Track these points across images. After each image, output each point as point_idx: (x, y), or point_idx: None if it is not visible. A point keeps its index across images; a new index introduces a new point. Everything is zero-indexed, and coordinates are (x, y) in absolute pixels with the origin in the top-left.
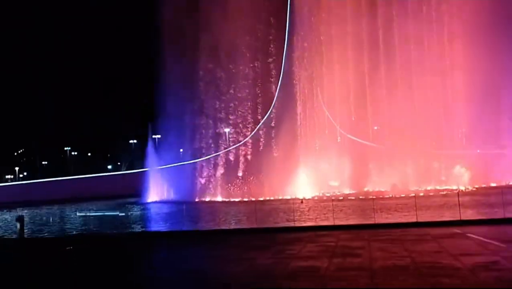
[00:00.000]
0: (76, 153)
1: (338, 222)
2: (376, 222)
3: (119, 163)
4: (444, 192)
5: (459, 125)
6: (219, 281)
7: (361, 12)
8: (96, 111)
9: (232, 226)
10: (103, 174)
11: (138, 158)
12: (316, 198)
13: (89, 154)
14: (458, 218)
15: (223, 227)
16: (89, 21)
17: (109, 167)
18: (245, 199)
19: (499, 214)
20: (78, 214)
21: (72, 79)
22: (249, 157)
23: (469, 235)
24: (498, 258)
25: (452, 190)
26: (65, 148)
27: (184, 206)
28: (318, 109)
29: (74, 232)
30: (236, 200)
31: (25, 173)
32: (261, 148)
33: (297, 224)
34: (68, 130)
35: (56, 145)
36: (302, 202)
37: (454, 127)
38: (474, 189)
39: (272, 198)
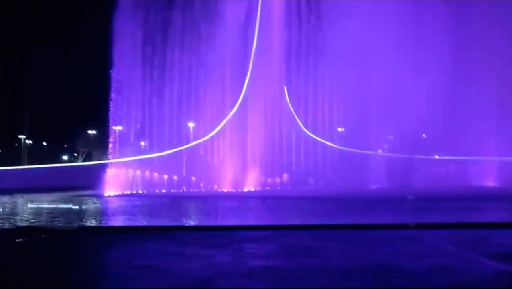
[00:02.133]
0: (31, 142)
1: (299, 222)
2: (337, 222)
3: (75, 154)
4: (403, 195)
5: (420, 131)
6: (173, 278)
7: (323, 17)
8: (53, 99)
9: (192, 223)
10: (58, 165)
11: (96, 149)
12: (277, 196)
13: (44, 143)
14: (415, 221)
15: (182, 223)
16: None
17: (65, 157)
18: (206, 195)
19: (454, 218)
20: (29, 205)
21: (27, 63)
22: (212, 152)
23: (425, 238)
24: (452, 261)
25: (411, 193)
26: (19, 136)
27: (143, 201)
28: (284, 109)
29: (24, 224)
30: (198, 195)
31: None
32: (225, 144)
33: (258, 222)
34: (23, 118)
35: (9, 133)
36: (264, 200)
37: (415, 132)
38: (430, 193)
39: (234, 195)
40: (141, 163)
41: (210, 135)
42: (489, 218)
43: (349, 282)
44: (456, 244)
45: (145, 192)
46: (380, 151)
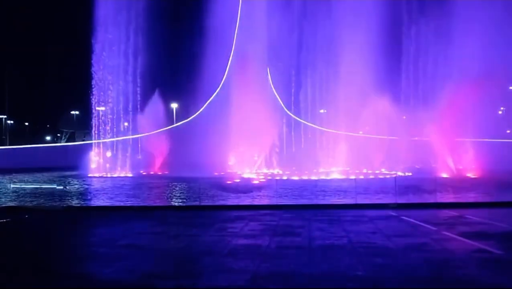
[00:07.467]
0: (12, 122)
1: (280, 202)
2: (317, 202)
3: (58, 134)
4: (382, 176)
5: (400, 113)
6: (158, 257)
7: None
8: (35, 78)
9: (174, 203)
10: (41, 145)
11: (79, 130)
12: (260, 177)
13: (26, 123)
14: (394, 201)
15: (165, 204)
16: None
17: (48, 138)
18: (190, 176)
19: (431, 198)
20: (12, 185)
21: (8, 42)
22: (195, 134)
23: (403, 217)
24: (428, 240)
25: (390, 174)
26: (0, 116)
27: (126, 181)
28: (268, 91)
29: (6, 205)
30: (182, 176)
31: None
32: (208, 125)
33: (240, 202)
34: (4, 97)
35: None
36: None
37: (395, 114)
38: (410, 174)
39: (216, 176)
40: (124, 144)
41: (193, 116)
42: None
43: (329, 261)
44: None
45: (128, 173)
46: None
